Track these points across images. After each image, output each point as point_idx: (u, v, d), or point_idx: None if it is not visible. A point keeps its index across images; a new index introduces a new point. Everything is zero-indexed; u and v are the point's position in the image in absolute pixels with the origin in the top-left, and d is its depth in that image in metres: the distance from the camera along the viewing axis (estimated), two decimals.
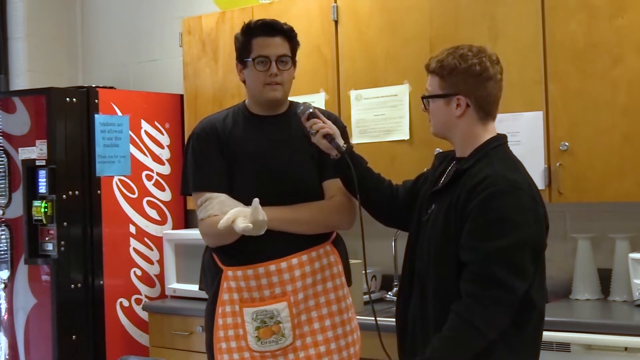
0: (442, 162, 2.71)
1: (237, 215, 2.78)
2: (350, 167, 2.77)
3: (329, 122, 2.90)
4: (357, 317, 3.14)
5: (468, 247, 2.43)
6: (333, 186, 3.01)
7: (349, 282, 3.11)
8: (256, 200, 2.75)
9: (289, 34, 3.03)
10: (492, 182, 2.43)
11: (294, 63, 3.06)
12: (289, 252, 2.96)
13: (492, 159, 2.52)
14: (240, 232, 2.77)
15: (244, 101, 3.14)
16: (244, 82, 3.08)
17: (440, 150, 2.87)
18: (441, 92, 2.57)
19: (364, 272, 4.02)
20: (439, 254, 2.51)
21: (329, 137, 2.83)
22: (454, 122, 2.58)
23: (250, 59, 3.00)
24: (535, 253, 2.46)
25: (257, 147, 3.00)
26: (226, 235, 2.89)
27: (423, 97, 2.63)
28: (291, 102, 3.11)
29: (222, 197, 2.96)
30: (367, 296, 4.10)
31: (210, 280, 3.08)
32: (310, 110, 2.92)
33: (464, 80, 2.53)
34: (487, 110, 2.58)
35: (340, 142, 2.85)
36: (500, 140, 2.60)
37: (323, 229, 3.05)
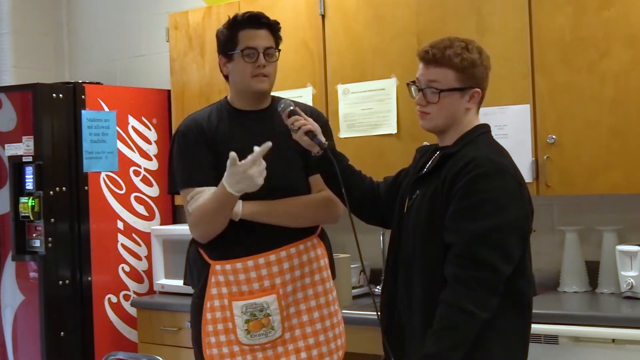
0: (423, 156, 2.72)
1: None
2: (334, 163, 2.77)
3: (310, 119, 2.90)
4: (346, 311, 3.16)
5: (452, 229, 2.44)
6: (320, 181, 3.01)
7: (333, 275, 3.13)
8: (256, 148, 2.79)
9: (274, 28, 3.06)
10: (479, 164, 2.44)
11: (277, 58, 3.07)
12: (277, 245, 2.97)
13: (477, 144, 2.54)
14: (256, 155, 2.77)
15: (226, 97, 3.14)
16: (227, 76, 3.09)
17: (427, 144, 2.87)
18: (459, 86, 2.55)
19: (353, 266, 4.04)
20: (426, 238, 2.51)
21: (310, 133, 2.83)
22: (462, 114, 2.58)
23: (237, 51, 3.00)
24: (520, 236, 2.47)
25: (243, 144, 2.99)
26: (216, 222, 2.89)
27: (442, 90, 2.54)
28: (273, 98, 3.12)
29: (212, 190, 2.95)
30: (357, 290, 4.12)
31: (197, 275, 3.07)
32: (291, 107, 2.92)
33: (481, 73, 2.57)
34: (482, 101, 2.63)
35: (322, 138, 2.84)
36: (485, 129, 2.63)
37: (311, 223, 3.07)
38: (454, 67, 2.55)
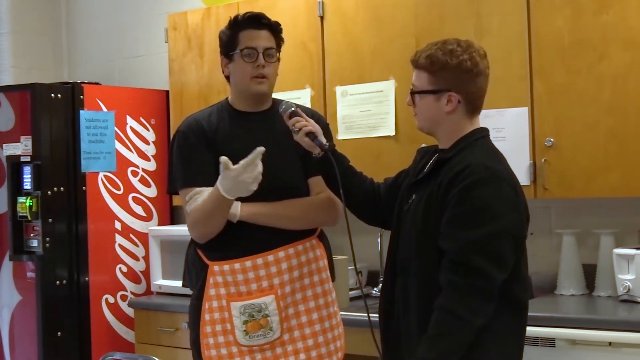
0: (424, 157, 2.71)
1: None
2: (334, 164, 2.77)
3: (311, 120, 2.91)
4: (343, 313, 3.16)
5: (447, 235, 2.43)
6: (320, 183, 3.01)
7: (333, 277, 3.12)
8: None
9: (275, 29, 3.06)
10: (474, 170, 2.43)
11: (278, 59, 3.07)
12: (275, 245, 2.96)
13: (474, 149, 2.53)
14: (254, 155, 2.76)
15: (227, 98, 3.14)
16: (228, 77, 3.09)
17: (425, 146, 2.87)
18: (431, 88, 2.55)
19: (351, 267, 4.04)
20: (421, 242, 2.51)
21: (311, 135, 2.84)
22: (443, 117, 2.57)
23: (237, 51, 3.00)
24: (515, 243, 2.46)
25: (244, 145, 2.98)
26: (212, 223, 2.89)
27: (413, 93, 2.61)
28: (274, 99, 3.12)
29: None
30: (353, 292, 4.12)
31: (195, 276, 3.06)
32: (292, 108, 2.92)
33: (456, 76, 2.52)
34: (475, 105, 2.59)
35: (323, 140, 2.85)
36: (483, 133, 2.61)
37: (311, 225, 3.06)
38: (426, 70, 2.56)
